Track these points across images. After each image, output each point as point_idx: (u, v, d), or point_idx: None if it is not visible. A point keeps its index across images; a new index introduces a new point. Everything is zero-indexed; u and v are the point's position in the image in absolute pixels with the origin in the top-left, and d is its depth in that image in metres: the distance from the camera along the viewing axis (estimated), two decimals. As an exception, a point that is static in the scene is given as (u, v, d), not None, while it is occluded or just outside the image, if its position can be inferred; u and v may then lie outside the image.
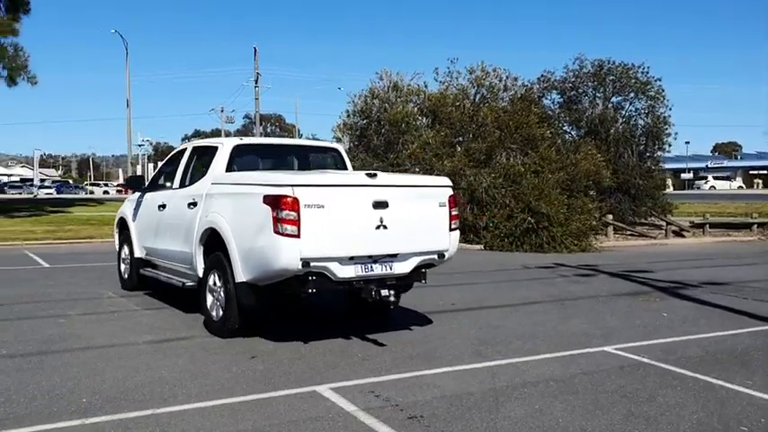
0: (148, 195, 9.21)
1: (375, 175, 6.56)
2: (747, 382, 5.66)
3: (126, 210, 9.92)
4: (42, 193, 66.48)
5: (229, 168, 7.55)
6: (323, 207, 6.08)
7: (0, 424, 4.49)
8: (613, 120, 21.88)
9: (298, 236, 5.99)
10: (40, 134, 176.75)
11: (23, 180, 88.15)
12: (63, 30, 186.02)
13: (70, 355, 6.38)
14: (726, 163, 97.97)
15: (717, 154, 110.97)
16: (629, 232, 20.83)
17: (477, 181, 17.80)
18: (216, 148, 7.79)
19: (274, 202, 6.03)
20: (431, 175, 17.85)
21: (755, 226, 22.43)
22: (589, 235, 17.56)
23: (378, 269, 6.51)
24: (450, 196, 6.93)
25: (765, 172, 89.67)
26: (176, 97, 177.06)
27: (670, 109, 22.38)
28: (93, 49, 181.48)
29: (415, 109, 20.18)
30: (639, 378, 5.79)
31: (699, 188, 79.91)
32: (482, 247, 17.20)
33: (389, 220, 6.40)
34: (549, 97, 23.09)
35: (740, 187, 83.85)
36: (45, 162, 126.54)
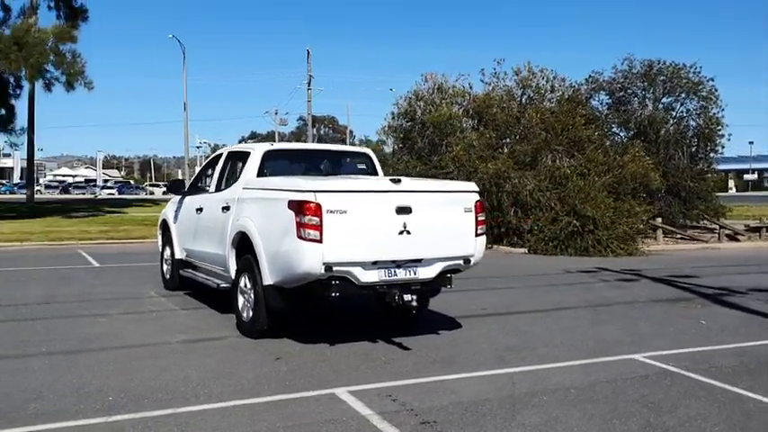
0: (188, 199, 9.48)
1: (399, 180, 6.62)
2: (779, 395, 5.51)
3: (168, 212, 10.23)
4: (105, 194, 68.77)
5: (260, 173, 7.72)
6: (345, 212, 6.17)
7: (29, 420, 4.71)
8: (663, 121, 21.37)
9: (320, 241, 6.09)
10: (104, 136, 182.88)
11: (87, 181, 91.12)
12: (125, 35, 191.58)
13: (105, 353, 6.63)
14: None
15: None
16: (679, 236, 20.31)
17: (521, 183, 17.64)
18: (248, 154, 7.98)
19: (298, 207, 6.15)
20: (474, 177, 17.83)
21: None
22: (636, 238, 17.19)
23: (401, 274, 6.56)
24: (476, 202, 6.93)
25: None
26: (233, 99, 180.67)
27: (723, 109, 21.79)
28: (155, 53, 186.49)
29: (460, 111, 20.12)
30: (664, 388, 5.69)
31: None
32: (526, 250, 17.05)
33: (413, 225, 6.45)
34: (597, 98, 22.75)
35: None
36: (109, 163, 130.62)
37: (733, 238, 20.71)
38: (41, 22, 27.87)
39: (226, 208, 7.80)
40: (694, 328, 8.13)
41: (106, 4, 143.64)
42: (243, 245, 7.27)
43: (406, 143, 20.74)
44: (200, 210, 8.78)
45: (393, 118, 21.47)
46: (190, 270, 9.32)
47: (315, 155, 8.83)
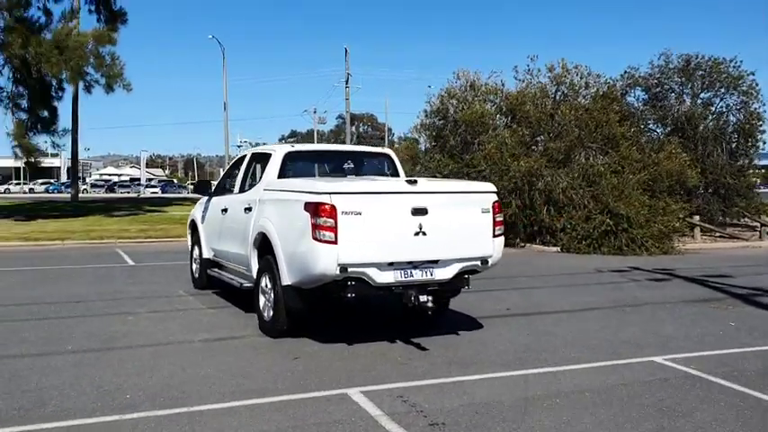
0: (214, 199, 9.63)
1: (415, 182, 6.63)
2: (800, 401, 5.37)
3: (196, 212, 10.41)
4: (148, 192, 70.08)
5: (281, 174, 7.80)
6: (360, 214, 6.20)
7: (47, 417, 4.85)
8: (701, 116, 20.90)
9: (335, 242, 6.14)
10: (149, 136, 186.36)
11: (132, 180, 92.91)
12: (168, 37, 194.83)
13: (128, 351, 6.78)
14: None
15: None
16: (718, 234, 19.86)
17: (554, 181, 17.46)
18: (269, 155, 8.07)
19: (313, 208, 6.21)
20: (506, 176, 17.73)
21: None
22: (672, 237, 16.87)
23: (418, 275, 6.57)
24: (494, 202, 6.90)
25: None
26: (274, 98, 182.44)
27: (764, 104, 21.21)
28: (197, 53, 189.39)
29: (492, 108, 19.98)
30: (683, 391, 5.60)
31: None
32: (559, 249, 16.87)
33: (429, 226, 6.45)
34: (632, 94, 22.36)
35: None
36: (154, 162, 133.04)
37: (775, 236, 20.20)
38: (83, 25, 28.72)
39: (248, 209, 7.90)
40: (722, 330, 7.96)
41: (148, 8, 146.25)
42: (264, 245, 7.36)
43: (439, 141, 20.68)
44: (224, 210, 8.91)
45: (426, 116, 21.42)
46: (216, 269, 9.47)
47: (335, 156, 8.88)
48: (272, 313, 7.23)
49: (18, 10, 22.26)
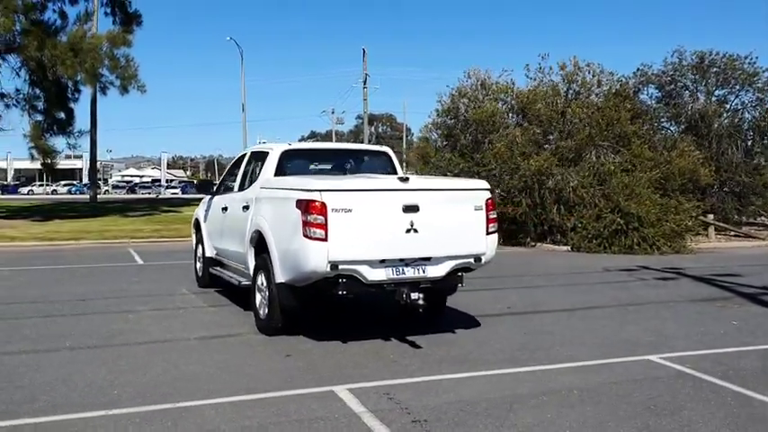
0: (216, 198, 9.70)
1: (407, 179, 6.63)
2: (795, 400, 5.29)
3: (200, 211, 10.49)
4: (168, 193, 70.55)
5: (278, 173, 7.83)
6: (351, 211, 6.21)
7: (35, 412, 4.91)
8: (716, 114, 20.63)
9: (325, 239, 6.15)
10: (171, 137, 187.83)
11: (153, 181, 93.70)
12: (186, 38, 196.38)
13: (125, 348, 6.84)
14: None
15: None
16: (732, 233, 19.60)
17: (564, 180, 17.34)
18: (267, 154, 8.11)
19: (304, 206, 6.23)
20: (516, 174, 17.65)
21: None
22: (684, 236, 16.67)
23: (410, 272, 6.56)
24: (487, 200, 6.87)
25: None
26: (294, 98, 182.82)
27: (781, 100, 20.85)
28: (217, 54, 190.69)
29: (503, 107, 19.89)
30: (673, 390, 5.53)
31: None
32: (569, 248, 16.76)
33: (420, 223, 6.44)
34: (645, 92, 22.12)
35: None
36: (175, 164, 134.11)
37: (793, 235, 19.90)
38: (100, 27, 29.07)
39: (246, 207, 7.95)
40: (724, 329, 7.86)
41: (165, 8, 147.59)
42: (260, 243, 7.39)
43: (450, 140, 20.63)
44: (225, 209, 8.97)
45: (437, 115, 21.37)
46: (218, 268, 9.53)
47: (332, 154, 8.90)
48: (267, 311, 7.26)
49: (33, 13, 22.59)
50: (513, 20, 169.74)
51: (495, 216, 6.96)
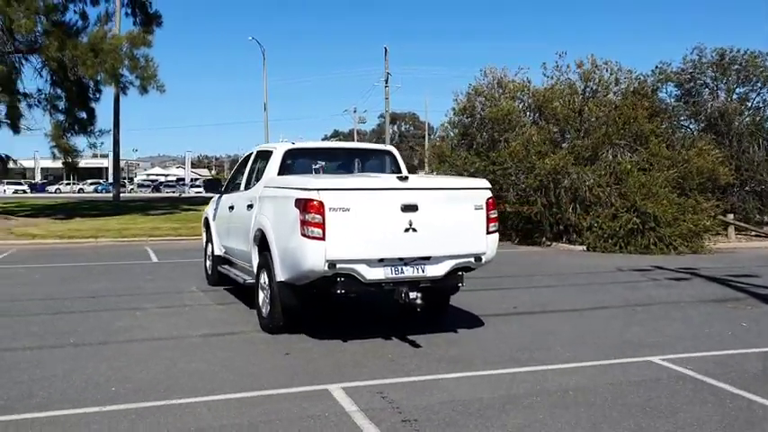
0: (224, 197, 9.77)
1: (406, 178, 6.61)
2: (797, 404, 5.18)
3: (209, 210, 10.58)
4: (192, 192, 71.15)
5: (281, 172, 7.87)
6: (348, 210, 6.21)
7: (31, 408, 4.98)
8: (736, 112, 20.28)
9: (323, 238, 6.16)
10: (196, 137, 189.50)
11: (178, 180, 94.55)
12: (209, 38, 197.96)
13: (127, 345, 6.92)
14: None
15: None
16: (754, 233, 19.29)
17: (580, 179, 17.19)
18: (271, 153, 8.14)
19: (302, 205, 6.25)
20: (532, 173, 17.54)
21: None
22: (702, 236, 16.44)
23: (409, 272, 6.54)
24: (488, 199, 6.82)
25: None
26: (317, 97, 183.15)
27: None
28: (239, 54, 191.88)
29: (520, 105, 19.77)
30: (672, 391, 5.46)
31: None
32: (584, 248, 16.61)
33: (419, 223, 6.42)
34: (664, 90, 21.83)
35: None
36: (200, 163, 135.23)
37: (816, 235, 19.52)
38: (123, 27, 29.39)
39: (250, 206, 7.99)
40: (732, 330, 7.74)
41: (185, 8, 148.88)
42: (262, 242, 7.43)
43: (466, 139, 20.56)
44: (231, 208, 9.03)
45: (454, 113, 21.31)
46: (226, 266, 9.59)
47: (336, 153, 8.92)
48: (269, 309, 7.29)
49: (55, 14, 22.91)
50: (532, 18, 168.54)
51: (495, 215, 6.91)
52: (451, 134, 21.51)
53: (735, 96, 21.03)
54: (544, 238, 17.73)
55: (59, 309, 8.82)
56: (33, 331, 7.52)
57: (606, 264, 13.87)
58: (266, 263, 7.24)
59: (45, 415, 4.84)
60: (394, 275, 6.49)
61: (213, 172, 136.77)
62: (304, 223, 6.21)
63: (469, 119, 20.53)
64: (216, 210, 10.08)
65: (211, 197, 11.18)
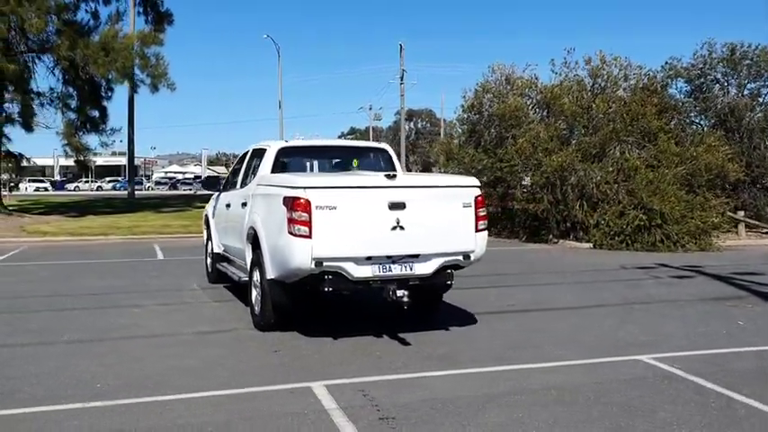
0: (222, 195, 9.84)
1: (394, 176, 6.61)
2: (782, 403, 5.12)
3: (209, 208, 10.66)
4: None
5: (274, 170, 7.90)
6: (335, 208, 6.23)
7: (14, 403, 5.05)
8: (747, 108, 20.04)
9: (309, 236, 6.19)
10: (213, 134, 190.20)
11: (195, 177, 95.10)
12: (224, 36, 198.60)
13: (120, 342, 7.00)
14: None
15: None
16: (765, 230, 19.08)
17: (587, 176, 17.10)
18: (265, 151, 8.19)
19: (289, 203, 6.28)
20: (538, 170, 17.47)
21: None
22: (711, 233, 16.29)
23: (397, 269, 6.55)
24: (476, 196, 6.82)
25: None
26: (333, 95, 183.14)
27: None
28: (258, 52, 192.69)
29: (527, 102, 19.68)
30: (655, 391, 5.43)
31: None
32: (591, 245, 16.52)
33: (407, 220, 6.43)
34: (674, 86, 21.62)
35: None
36: (218, 160, 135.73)
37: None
38: (136, 26, 29.64)
39: (244, 204, 8.05)
40: (727, 329, 7.67)
41: (203, 8, 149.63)
42: (255, 240, 7.47)
43: (473, 136, 20.51)
44: (228, 206, 9.10)
45: (462, 110, 21.27)
46: (224, 263, 9.66)
47: (330, 151, 8.94)
48: (261, 307, 7.34)
49: (66, 13, 23.16)
50: (541, 13, 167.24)
51: (484, 213, 6.90)
52: (459, 131, 21.46)
53: (746, 92, 20.80)
54: (551, 236, 17.65)
55: (60, 306, 8.93)
56: (31, 328, 7.63)
57: (611, 261, 13.78)
58: (258, 260, 7.29)
59: (26, 411, 4.90)
60: (382, 273, 6.51)
61: (230, 169, 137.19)
62: (291, 221, 6.24)
63: (477, 116, 20.47)
64: (215, 207, 10.16)
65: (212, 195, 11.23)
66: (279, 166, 7.98)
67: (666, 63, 21.41)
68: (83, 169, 35.46)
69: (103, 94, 25.65)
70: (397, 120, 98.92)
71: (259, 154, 8.51)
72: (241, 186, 8.78)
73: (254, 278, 7.52)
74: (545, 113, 19.55)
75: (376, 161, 8.48)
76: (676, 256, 14.83)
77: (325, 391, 5.35)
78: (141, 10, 28.16)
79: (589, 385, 5.56)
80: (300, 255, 6.25)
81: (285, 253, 6.42)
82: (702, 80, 21.05)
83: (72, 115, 25.07)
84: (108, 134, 25.84)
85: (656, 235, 15.75)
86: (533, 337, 7.27)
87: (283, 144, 8.24)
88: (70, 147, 24.96)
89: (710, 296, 9.77)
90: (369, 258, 6.45)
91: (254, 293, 7.55)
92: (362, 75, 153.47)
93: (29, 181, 69.94)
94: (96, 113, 25.53)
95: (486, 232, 6.98)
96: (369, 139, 69.24)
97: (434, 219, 6.57)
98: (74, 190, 73.51)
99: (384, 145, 8.89)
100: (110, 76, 23.68)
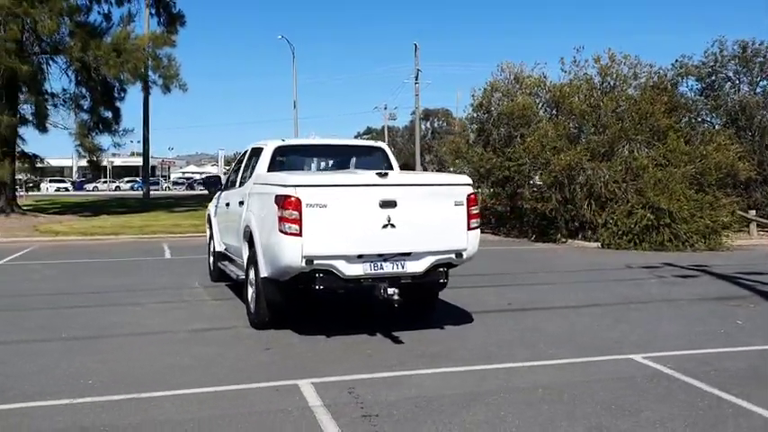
0: (223, 194, 9.91)
1: (385, 174, 6.62)
2: (768, 402, 5.08)
3: (211, 207, 10.74)
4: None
5: (271, 168, 7.95)
6: (326, 206, 6.26)
7: (5, 399, 5.14)
8: (759, 106, 19.82)
9: (299, 234, 6.22)
10: (230, 134, 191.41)
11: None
12: (241, 38, 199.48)
13: (118, 340, 7.07)
14: None
15: None
16: (777, 230, 18.88)
17: (595, 175, 17.00)
18: (262, 149, 8.24)
19: (280, 201, 6.32)
20: (546, 169, 17.41)
21: None
22: (720, 233, 16.13)
23: (388, 268, 6.56)
24: (468, 195, 6.81)
25: None
26: (349, 94, 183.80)
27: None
28: (270, 50, 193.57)
29: (536, 101, 19.61)
30: (643, 390, 5.40)
31: None
32: (599, 245, 16.42)
33: (398, 219, 6.44)
34: (685, 84, 21.44)
35: None
36: (235, 160, 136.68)
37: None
38: (149, 27, 29.89)
39: (241, 202, 8.11)
40: (725, 329, 7.60)
41: (221, 10, 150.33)
42: (251, 238, 7.52)
43: (482, 135, 20.47)
44: (228, 204, 9.17)
45: (472, 109, 21.22)
46: (225, 262, 9.73)
47: (326, 150, 8.96)
48: (255, 305, 7.38)
49: (78, 15, 23.41)
50: (552, 11, 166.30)
51: (477, 212, 6.89)
52: (468, 130, 21.43)
53: (758, 90, 20.60)
54: (559, 235, 17.58)
55: (61, 304, 9.03)
56: (29, 326, 7.73)
57: (616, 261, 13.69)
58: (254, 258, 7.33)
59: (14, 407, 4.97)
60: (373, 271, 6.52)
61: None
62: (282, 219, 6.28)
63: (486, 115, 20.42)
64: (216, 206, 10.25)
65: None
66: (275, 165, 8.02)
67: (677, 61, 21.29)
68: (96, 169, 35.81)
69: (116, 95, 25.90)
70: (412, 119, 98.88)
71: (257, 153, 8.56)
72: (240, 185, 8.84)
73: (250, 276, 7.57)
74: (554, 112, 19.49)
75: (373, 159, 8.49)
76: (684, 255, 14.71)
77: (312, 388, 5.38)
78: (153, 11, 28.47)
79: (576, 384, 5.55)
80: (291, 253, 6.29)
81: (276, 251, 6.46)
82: (713, 78, 20.87)
83: (85, 116, 25.35)
84: (121, 135, 26.09)
85: (664, 234, 15.63)
86: (527, 335, 7.25)
87: (280, 143, 8.28)
88: (83, 147, 25.21)
89: (712, 296, 9.69)
90: (360, 256, 6.47)
91: (250, 291, 7.60)
92: (378, 74, 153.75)
93: (50, 181, 70.83)
94: (109, 114, 25.79)
95: (478, 230, 6.98)
96: (384, 139, 69.16)
97: (426, 217, 6.58)
98: (92, 190, 74.23)
99: (381, 144, 8.91)
100: (122, 77, 23.90)
